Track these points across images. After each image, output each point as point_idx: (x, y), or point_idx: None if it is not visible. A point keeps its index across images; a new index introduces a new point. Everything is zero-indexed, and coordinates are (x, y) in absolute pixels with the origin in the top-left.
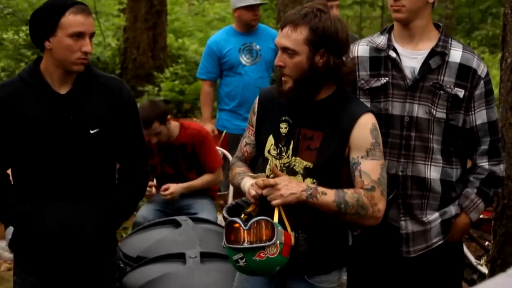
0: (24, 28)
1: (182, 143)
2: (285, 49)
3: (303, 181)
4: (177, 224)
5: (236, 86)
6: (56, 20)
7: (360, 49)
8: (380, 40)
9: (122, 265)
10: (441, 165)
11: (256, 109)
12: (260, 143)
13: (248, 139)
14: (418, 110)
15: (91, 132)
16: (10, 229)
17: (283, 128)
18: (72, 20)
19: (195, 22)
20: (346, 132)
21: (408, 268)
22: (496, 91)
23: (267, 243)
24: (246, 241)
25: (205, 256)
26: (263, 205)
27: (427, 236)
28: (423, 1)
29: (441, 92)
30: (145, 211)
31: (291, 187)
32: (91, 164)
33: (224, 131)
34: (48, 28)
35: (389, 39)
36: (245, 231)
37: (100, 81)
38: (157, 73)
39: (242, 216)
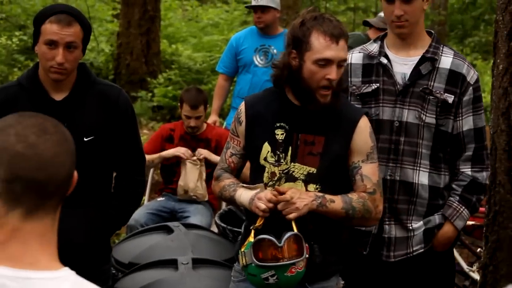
0: (17, 33)
1: (207, 137)
2: (341, 62)
3: (305, 187)
4: (169, 230)
5: (244, 85)
6: (39, 27)
7: (354, 56)
8: (373, 47)
9: (114, 271)
10: (428, 170)
11: (243, 118)
12: (252, 152)
13: (233, 149)
14: (408, 115)
15: (85, 139)
16: None
17: (279, 134)
18: (48, 28)
19: (189, 28)
20: (347, 136)
21: (389, 273)
22: (488, 98)
23: (301, 258)
24: (280, 258)
25: (197, 262)
26: (270, 217)
27: (409, 243)
28: (421, 12)
29: (431, 97)
30: (137, 214)
31: (303, 199)
32: (85, 172)
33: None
34: (35, 34)
35: (381, 46)
36: (276, 248)
37: (98, 88)
38: (151, 78)
39: (252, 233)
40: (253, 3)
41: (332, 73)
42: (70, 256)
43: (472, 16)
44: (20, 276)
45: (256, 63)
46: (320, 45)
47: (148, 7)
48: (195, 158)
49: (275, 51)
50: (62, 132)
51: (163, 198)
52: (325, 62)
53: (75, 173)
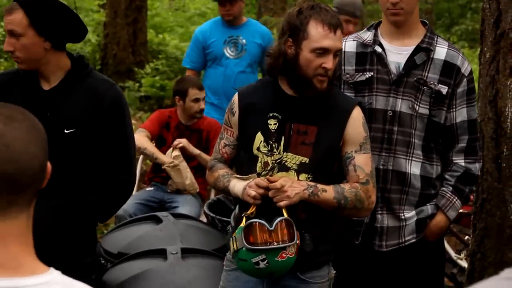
0: (2, 23)
1: (199, 128)
2: (338, 52)
3: (297, 176)
4: (158, 220)
5: (217, 78)
6: None
7: (347, 44)
8: (367, 35)
9: (103, 262)
10: (421, 161)
11: (236, 109)
12: (245, 142)
13: (226, 140)
14: (402, 105)
15: (66, 131)
16: None
17: (272, 124)
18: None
19: (176, 18)
20: (340, 126)
21: (381, 262)
22: (475, 86)
23: (292, 242)
24: (272, 242)
25: (186, 252)
26: (262, 205)
27: (401, 232)
28: (416, 1)
29: (425, 88)
30: (125, 204)
31: (295, 187)
32: (63, 164)
33: None
34: None
35: (375, 35)
36: (267, 232)
37: (89, 82)
38: (138, 69)
39: (244, 219)
40: None
41: (329, 62)
42: (40, 246)
43: (459, 4)
44: (8, 286)
45: (227, 55)
46: (318, 34)
47: None
48: (171, 160)
49: (244, 41)
50: (31, 120)
51: (152, 188)
52: (323, 51)
53: (49, 165)
